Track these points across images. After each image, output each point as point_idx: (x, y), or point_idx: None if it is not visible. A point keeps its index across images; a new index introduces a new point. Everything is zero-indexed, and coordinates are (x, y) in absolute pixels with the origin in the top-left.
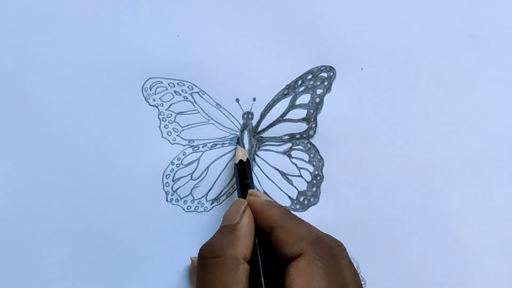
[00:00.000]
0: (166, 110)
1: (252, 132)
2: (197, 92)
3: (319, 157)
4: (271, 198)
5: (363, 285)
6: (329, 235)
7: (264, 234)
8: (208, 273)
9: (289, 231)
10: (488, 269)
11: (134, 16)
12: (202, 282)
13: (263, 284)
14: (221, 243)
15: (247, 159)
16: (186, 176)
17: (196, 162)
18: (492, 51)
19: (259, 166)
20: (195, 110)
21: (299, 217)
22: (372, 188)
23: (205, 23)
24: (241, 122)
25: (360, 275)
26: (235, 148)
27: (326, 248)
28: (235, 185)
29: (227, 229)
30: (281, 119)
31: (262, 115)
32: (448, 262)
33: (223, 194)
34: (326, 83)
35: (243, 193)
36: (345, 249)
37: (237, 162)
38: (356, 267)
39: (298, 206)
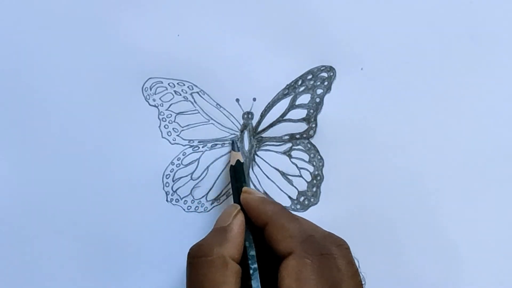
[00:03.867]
0: (166, 110)
1: (252, 132)
2: (197, 92)
3: (319, 157)
4: (268, 196)
5: (363, 285)
6: (331, 234)
7: (262, 234)
8: (196, 272)
9: (280, 228)
10: (486, 269)
11: (134, 16)
12: (191, 282)
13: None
14: (210, 243)
15: (242, 161)
16: (186, 176)
17: (196, 162)
18: (492, 52)
19: (259, 166)
20: (195, 110)
21: (298, 215)
22: (372, 188)
23: (205, 23)
24: (241, 122)
25: (360, 274)
26: (230, 150)
27: (316, 246)
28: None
29: (217, 231)
30: (281, 119)
31: (262, 115)
32: (446, 262)
33: (223, 194)
34: (326, 83)
35: (239, 194)
36: (347, 248)
37: (234, 163)
38: (357, 266)
39: (298, 206)
